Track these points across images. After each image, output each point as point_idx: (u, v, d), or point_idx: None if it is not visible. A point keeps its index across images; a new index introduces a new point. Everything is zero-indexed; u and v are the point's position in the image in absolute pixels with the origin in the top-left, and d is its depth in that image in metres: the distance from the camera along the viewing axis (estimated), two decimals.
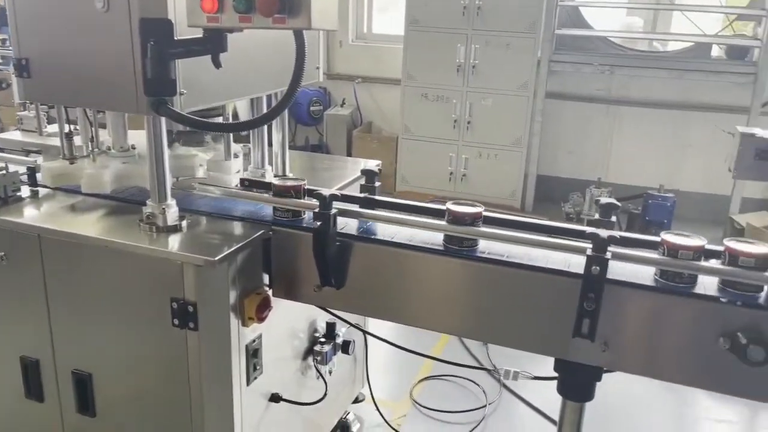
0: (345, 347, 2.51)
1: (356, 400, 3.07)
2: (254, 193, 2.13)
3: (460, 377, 3.55)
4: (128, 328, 1.99)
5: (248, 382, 2.03)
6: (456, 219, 1.80)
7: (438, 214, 1.93)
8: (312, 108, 7.23)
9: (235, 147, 2.50)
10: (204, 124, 2.02)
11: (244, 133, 2.60)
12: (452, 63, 6.10)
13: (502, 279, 1.75)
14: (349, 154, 7.04)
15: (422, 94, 6.32)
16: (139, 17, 1.73)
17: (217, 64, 1.80)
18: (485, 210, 1.84)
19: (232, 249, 1.84)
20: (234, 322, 1.92)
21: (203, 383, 1.91)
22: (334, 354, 2.47)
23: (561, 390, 1.82)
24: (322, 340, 2.45)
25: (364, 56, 7.30)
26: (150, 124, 1.88)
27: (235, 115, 2.56)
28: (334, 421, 2.85)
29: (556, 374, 1.80)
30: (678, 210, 5.45)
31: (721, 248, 1.62)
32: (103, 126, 2.51)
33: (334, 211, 1.85)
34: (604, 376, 1.75)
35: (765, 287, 1.56)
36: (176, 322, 1.85)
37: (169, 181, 1.98)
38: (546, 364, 1.80)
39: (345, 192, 2.13)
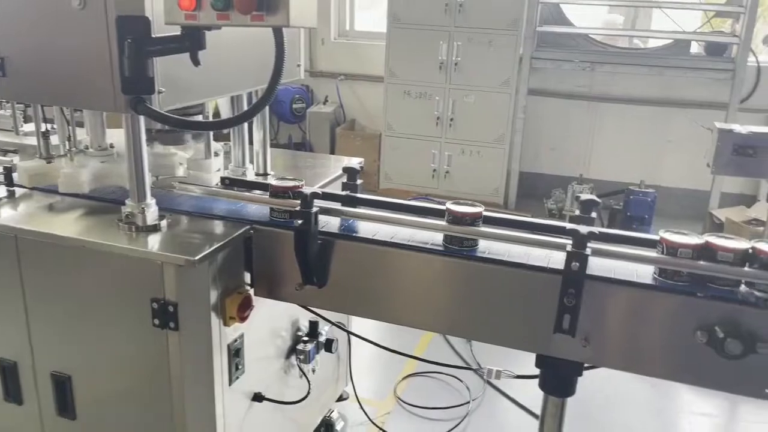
0: (328, 346, 2.50)
1: (340, 399, 3.07)
2: (235, 192, 2.11)
3: (443, 374, 3.56)
4: (108, 328, 1.97)
5: (230, 382, 2.02)
6: (456, 219, 1.78)
7: (418, 211, 1.93)
8: (294, 106, 7.20)
9: (216, 145, 2.49)
10: (183, 123, 2.00)
11: (225, 131, 2.58)
12: (435, 60, 6.11)
13: (484, 276, 1.75)
14: (333, 152, 7.02)
15: (405, 91, 6.33)
16: (115, 15, 1.71)
17: (195, 62, 1.79)
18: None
19: (213, 248, 1.83)
20: (215, 321, 1.91)
21: (185, 383, 1.89)
22: (317, 352, 2.46)
23: (542, 385, 1.83)
24: (305, 338, 2.44)
25: (346, 54, 7.28)
26: (128, 122, 1.86)
27: (218, 114, 2.54)
28: (318, 420, 2.84)
29: (538, 371, 1.80)
30: (659, 205, 5.52)
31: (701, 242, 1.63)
32: (81, 125, 2.48)
33: (315, 209, 1.85)
34: (586, 371, 1.76)
35: (743, 281, 1.58)
36: (156, 322, 1.83)
37: (148, 180, 1.96)
38: (530, 360, 1.81)
39: (327, 190, 2.12)
